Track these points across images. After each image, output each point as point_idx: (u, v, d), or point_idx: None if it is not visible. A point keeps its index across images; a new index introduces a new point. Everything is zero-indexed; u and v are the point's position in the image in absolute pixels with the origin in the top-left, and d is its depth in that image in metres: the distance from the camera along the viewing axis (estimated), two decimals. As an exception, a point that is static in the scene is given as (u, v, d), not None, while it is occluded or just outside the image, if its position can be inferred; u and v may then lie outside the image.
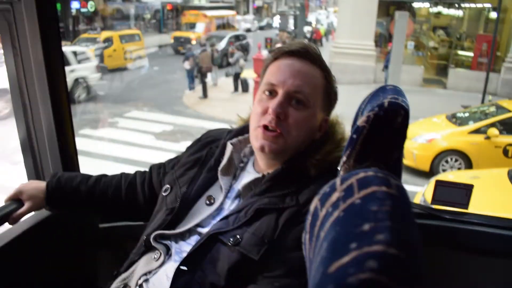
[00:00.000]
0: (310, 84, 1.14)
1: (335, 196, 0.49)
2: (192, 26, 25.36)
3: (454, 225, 1.55)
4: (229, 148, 1.27)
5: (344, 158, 0.88)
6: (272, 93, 1.15)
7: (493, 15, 16.08)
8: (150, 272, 1.15)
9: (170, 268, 1.12)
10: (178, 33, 24.59)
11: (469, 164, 7.82)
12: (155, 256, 1.17)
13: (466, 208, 1.54)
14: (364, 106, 1.06)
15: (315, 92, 1.16)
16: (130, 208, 1.47)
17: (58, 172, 1.49)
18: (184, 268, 1.07)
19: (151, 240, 1.18)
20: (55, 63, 1.51)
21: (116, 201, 1.46)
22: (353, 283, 0.35)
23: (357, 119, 1.09)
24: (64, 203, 1.45)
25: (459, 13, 18.28)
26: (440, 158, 7.87)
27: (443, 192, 1.53)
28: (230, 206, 1.20)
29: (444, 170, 7.83)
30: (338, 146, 1.18)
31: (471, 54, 16.10)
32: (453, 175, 6.26)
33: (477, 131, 7.91)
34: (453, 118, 8.63)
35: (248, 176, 1.23)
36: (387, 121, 0.84)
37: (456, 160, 7.87)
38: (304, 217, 1.04)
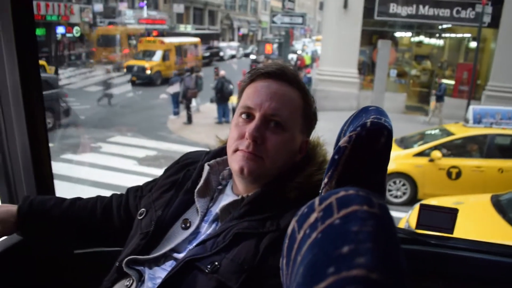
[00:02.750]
0: (288, 106, 1.11)
1: (313, 216, 0.45)
2: (150, 54, 22.50)
3: (439, 250, 1.52)
4: (206, 169, 1.22)
5: (325, 180, 0.85)
6: (249, 116, 1.12)
7: (473, 44, 16.51)
8: None
9: None
10: (131, 62, 22.01)
11: (414, 187, 7.98)
12: (127, 283, 1.11)
13: (451, 232, 1.52)
14: (346, 127, 1.04)
15: (293, 114, 1.12)
16: (106, 232, 1.41)
17: (30, 196, 1.43)
18: None
19: (123, 265, 1.12)
20: (32, 88, 1.49)
21: (91, 225, 1.40)
22: None
23: (340, 140, 1.07)
24: (36, 228, 1.39)
25: (440, 42, 18.73)
26: (387, 180, 7.95)
27: (427, 217, 1.51)
28: (207, 230, 1.15)
29: (390, 191, 8.04)
30: (320, 169, 1.15)
31: (452, 82, 16.44)
32: (436, 201, 6.27)
33: (421, 154, 8.08)
34: (401, 142, 8.80)
35: (226, 198, 1.18)
36: (370, 141, 0.81)
37: (402, 183, 8.03)
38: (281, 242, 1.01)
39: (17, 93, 1.45)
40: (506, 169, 7.75)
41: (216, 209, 1.17)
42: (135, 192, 1.41)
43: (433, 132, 9.31)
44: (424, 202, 6.32)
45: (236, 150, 1.11)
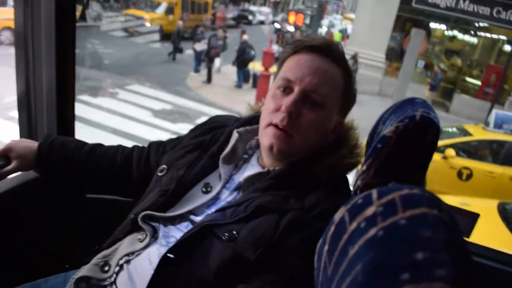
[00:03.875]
0: (329, 84, 1.07)
1: (370, 210, 0.42)
2: (152, 5, 20.13)
3: None
4: (234, 136, 1.19)
5: (364, 167, 0.82)
6: (287, 89, 1.07)
7: (507, 47, 16.09)
8: (133, 253, 1.09)
9: (154, 251, 1.06)
10: (130, 11, 19.85)
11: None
12: (140, 237, 1.10)
13: (468, 237, 1.49)
14: (387, 116, 1.00)
15: (333, 93, 1.08)
16: (122, 182, 1.40)
17: (52, 135, 1.42)
18: (171, 256, 1.01)
19: (139, 220, 1.11)
20: (67, 21, 1.45)
21: (109, 174, 1.38)
22: None
23: (377, 127, 1.03)
24: (54, 168, 1.38)
25: (474, 40, 18.29)
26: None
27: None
28: (227, 197, 1.13)
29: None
30: (352, 152, 1.12)
31: (478, 82, 16.12)
32: (443, 198, 6.24)
33: (436, 150, 7.94)
34: None
35: (251, 169, 1.16)
36: (418, 135, 0.78)
37: None
38: (309, 223, 0.98)
39: (51, 23, 1.41)
40: (518, 179, 7.66)
41: (239, 177, 1.15)
42: (157, 147, 1.39)
43: (451, 130, 9.19)
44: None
45: (269, 124, 1.07)
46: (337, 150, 1.11)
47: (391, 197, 0.42)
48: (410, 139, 0.77)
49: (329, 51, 1.08)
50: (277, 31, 19.89)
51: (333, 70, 1.08)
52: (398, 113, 0.91)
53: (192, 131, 1.33)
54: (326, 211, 0.98)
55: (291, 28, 19.01)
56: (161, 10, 19.73)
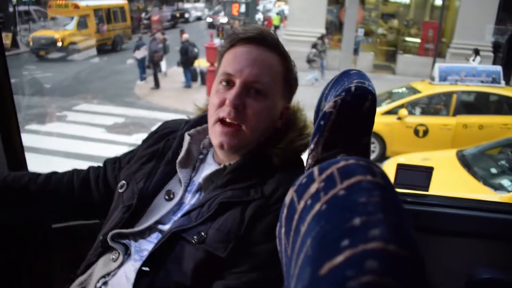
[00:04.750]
0: (268, 72, 1.09)
1: (314, 187, 0.45)
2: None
3: (416, 208, 1.57)
4: (186, 139, 1.20)
5: (311, 146, 0.85)
6: (229, 83, 1.10)
7: (438, 2, 16.61)
8: (108, 274, 1.09)
9: (129, 268, 1.06)
10: (38, 33, 16.83)
11: (383, 145, 8.13)
12: (113, 257, 1.10)
13: (427, 190, 1.57)
14: (327, 91, 1.03)
15: (274, 80, 1.11)
16: (84, 206, 1.38)
17: (3, 172, 1.38)
18: (146, 269, 1.01)
19: (108, 239, 1.11)
20: None
21: (69, 200, 1.36)
22: None
23: (321, 104, 1.06)
24: (12, 205, 1.35)
25: (406, 0, 18.75)
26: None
27: (404, 176, 1.55)
28: (191, 200, 1.14)
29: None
30: (301, 134, 1.15)
31: (418, 40, 16.59)
32: (404, 157, 6.44)
33: (389, 112, 8.19)
34: None
35: (208, 168, 1.18)
36: (355, 106, 0.81)
37: (371, 142, 8.09)
38: (271, 209, 1.01)
39: None
40: (470, 125, 7.97)
41: (199, 178, 1.16)
42: (113, 163, 1.37)
43: (400, 90, 9.44)
44: (393, 159, 6.50)
45: (217, 121, 1.09)
46: (287, 134, 1.14)
47: (330, 171, 0.45)
48: (349, 110, 0.81)
49: (263, 40, 1.11)
50: (211, 25, 19.53)
51: (271, 58, 1.11)
52: (336, 87, 0.94)
53: (144, 141, 1.33)
54: (284, 195, 1.01)
55: (224, 20, 18.85)
56: (71, 25, 17.29)
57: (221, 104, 1.09)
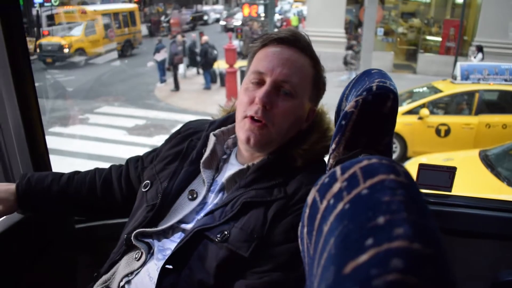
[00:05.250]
0: (298, 73, 1.10)
1: (336, 186, 0.45)
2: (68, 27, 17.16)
3: (439, 208, 1.55)
4: (212, 140, 1.22)
5: (333, 146, 0.85)
6: (259, 82, 1.11)
7: (460, 0, 16.35)
8: (132, 272, 1.10)
9: (152, 267, 1.08)
10: (45, 39, 16.24)
11: (404, 145, 8.01)
12: (136, 256, 1.12)
13: (450, 190, 1.54)
14: (348, 91, 1.03)
15: (303, 82, 1.12)
16: (106, 205, 1.40)
17: (28, 173, 1.41)
18: (170, 267, 1.02)
19: (132, 238, 1.13)
20: (21, 61, 1.44)
21: (91, 199, 1.39)
22: (379, 286, 0.31)
23: (341, 104, 1.06)
24: (37, 205, 1.38)
25: (427, -2, 18.52)
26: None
27: (426, 176, 1.53)
28: (213, 200, 1.15)
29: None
30: (325, 136, 1.16)
31: (439, 39, 16.35)
32: (426, 158, 6.36)
33: (410, 112, 8.07)
34: None
35: (231, 168, 1.19)
36: (377, 105, 0.81)
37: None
38: (293, 209, 1.02)
39: (5, 65, 1.40)
40: (493, 124, 7.82)
41: (222, 178, 1.17)
42: (135, 163, 1.39)
43: (421, 90, 9.32)
44: (415, 159, 6.42)
45: (244, 117, 1.10)
46: (311, 136, 1.15)
47: (352, 171, 0.45)
48: (371, 110, 0.80)
49: (296, 42, 1.12)
50: (225, 28, 19.39)
51: (302, 60, 1.12)
52: (357, 87, 0.94)
53: (167, 141, 1.35)
54: (306, 195, 1.02)
55: (238, 22, 18.80)
56: (79, 31, 16.65)
57: (250, 102, 1.10)
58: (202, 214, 1.12)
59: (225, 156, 1.25)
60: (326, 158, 1.18)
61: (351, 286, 0.32)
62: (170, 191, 1.18)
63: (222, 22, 25.35)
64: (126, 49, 18.71)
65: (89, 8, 18.50)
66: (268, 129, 1.09)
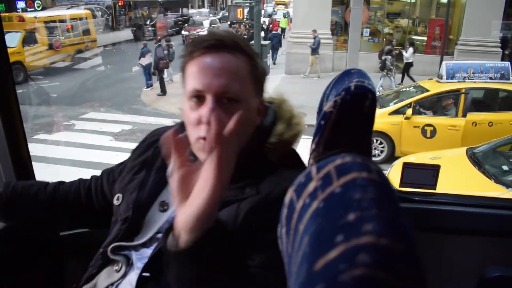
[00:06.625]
0: (236, 78, 1.05)
1: (311, 185, 0.45)
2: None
3: (424, 206, 1.56)
4: None
5: (312, 146, 0.85)
6: (200, 98, 1.06)
7: (444, -1, 16.55)
8: (112, 284, 1.09)
9: (133, 277, 1.06)
10: None
11: (391, 145, 8.08)
12: (117, 268, 1.11)
13: (434, 188, 1.55)
14: (329, 91, 1.03)
15: (244, 84, 1.07)
16: (91, 215, 1.38)
17: (12, 181, 1.39)
18: (147, 274, 1.01)
19: (109, 253, 1.12)
20: (1, 66, 1.42)
21: (78, 209, 1.37)
22: (346, 281, 0.31)
23: (323, 105, 1.06)
24: (21, 214, 1.36)
25: (412, -2, 18.69)
26: (367, 140, 8.06)
27: (411, 174, 1.54)
28: None
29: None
30: (290, 124, 1.13)
31: (425, 38, 16.52)
32: (414, 157, 6.41)
33: (396, 112, 8.13)
34: (377, 101, 8.84)
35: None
36: (355, 105, 0.81)
37: (379, 142, 8.09)
38: (266, 205, 1.00)
39: None
40: (480, 122, 7.91)
41: None
42: (107, 175, 1.37)
43: (408, 89, 9.40)
44: (402, 158, 6.47)
45: (198, 138, 1.06)
46: (276, 127, 1.13)
47: (327, 170, 0.45)
48: (349, 109, 0.80)
49: (223, 45, 1.06)
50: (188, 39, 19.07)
51: (235, 61, 1.07)
52: (337, 87, 0.94)
53: (133, 151, 1.31)
54: (282, 192, 1.01)
55: (204, 32, 18.66)
56: (15, 42, 14.08)
57: (198, 122, 1.05)
58: None
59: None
60: (299, 151, 1.17)
61: (319, 281, 0.33)
62: (140, 202, 1.15)
63: (184, 32, 23.65)
64: (76, 60, 16.82)
65: (29, 15, 16.45)
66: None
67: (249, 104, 1.09)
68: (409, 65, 14.05)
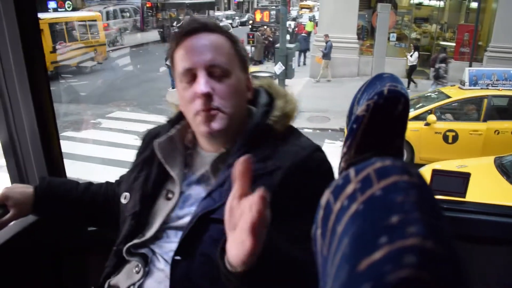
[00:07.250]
0: (221, 52, 1.13)
1: (350, 188, 0.45)
2: None
3: (453, 214, 1.54)
4: (156, 147, 1.22)
5: (344, 149, 0.85)
6: (192, 77, 1.12)
7: (474, 4, 16.25)
8: (134, 284, 1.12)
9: (158, 275, 1.10)
10: None
11: (411, 151, 7.89)
12: (136, 269, 1.14)
13: (464, 196, 1.53)
14: (360, 95, 1.03)
15: (229, 58, 1.14)
16: (116, 216, 1.43)
17: (46, 177, 1.44)
18: (178, 258, 1.05)
19: (124, 254, 1.16)
20: (37, 64, 1.47)
21: (106, 209, 1.42)
22: (393, 282, 0.31)
23: (353, 108, 1.06)
24: (54, 209, 1.41)
25: (441, 3, 18.42)
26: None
27: (440, 182, 1.52)
28: (196, 190, 1.17)
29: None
30: (287, 101, 1.20)
31: (453, 44, 16.24)
32: (440, 165, 6.30)
33: (417, 118, 7.93)
34: None
35: (204, 159, 1.20)
36: (388, 109, 0.81)
37: None
38: (291, 178, 1.02)
39: (22, 69, 1.43)
40: (502, 131, 7.71)
41: (196, 170, 1.19)
42: (119, 178, 1.44)
43: (429, 95, 9.24)
44: (427, 167, 6.37)
45: (196, 113, 1.11)
46: (276, 103, 1.19)
47: (366, 173, 0.45)
48: (382, 114, 0.80)
49: (205, 27, 1.15)
50: None
51: (217, 39, 1.15)
52: (369, 91, 0.94)
53: (136, 155, 1.36)
54: (301, 160, 1.09)
55: None
56: None
57: (193, 98, 1.11)
58: (186, 207, 1.14)
59: (189, 151, 1.25)
60: (295, 124, 1.23)
61: (364, 281, 0.33)
62: (146, 195, 1.20)
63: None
64: (84, 66, 16.10)
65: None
66: (222, 112, 1.11)
67: (238, 77, 1.16)
68: (412, 68, 14.05)
